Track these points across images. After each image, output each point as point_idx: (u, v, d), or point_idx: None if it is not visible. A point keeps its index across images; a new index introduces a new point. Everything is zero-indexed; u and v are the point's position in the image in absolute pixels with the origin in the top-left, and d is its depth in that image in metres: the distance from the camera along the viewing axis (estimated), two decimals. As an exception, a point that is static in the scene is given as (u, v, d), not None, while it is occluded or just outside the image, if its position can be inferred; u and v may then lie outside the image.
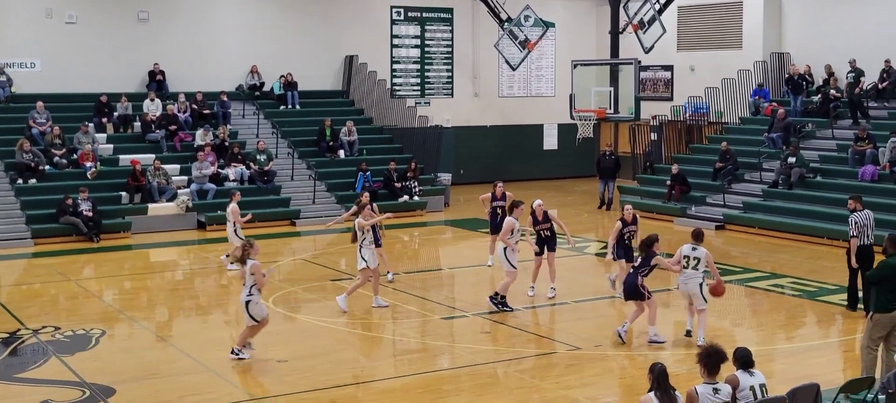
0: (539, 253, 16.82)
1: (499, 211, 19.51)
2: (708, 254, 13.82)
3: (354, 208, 18.03)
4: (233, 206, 19.72)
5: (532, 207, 16.85)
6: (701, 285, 13.76)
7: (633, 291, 13.84)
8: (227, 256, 20.04)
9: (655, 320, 13.98)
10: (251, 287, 12.96)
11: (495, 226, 19.65)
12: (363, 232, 15.78)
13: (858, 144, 24.72)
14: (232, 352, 13.16)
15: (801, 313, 16.23)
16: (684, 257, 13.84)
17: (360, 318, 15.87)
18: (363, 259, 15.70)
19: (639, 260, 13.95)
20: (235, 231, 19.51)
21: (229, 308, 17.12)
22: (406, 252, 22.68)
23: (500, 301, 15.87)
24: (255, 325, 13.16)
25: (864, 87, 26.82)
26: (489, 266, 19.64)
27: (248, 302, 12.99)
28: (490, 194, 19.70)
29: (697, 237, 14.03)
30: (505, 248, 15.68)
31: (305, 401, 11.60)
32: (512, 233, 15.66)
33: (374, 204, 17.92)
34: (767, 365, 12.36)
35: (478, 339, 14.39)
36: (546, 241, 16.90)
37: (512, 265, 15.69)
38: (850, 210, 15.82)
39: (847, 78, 27.07)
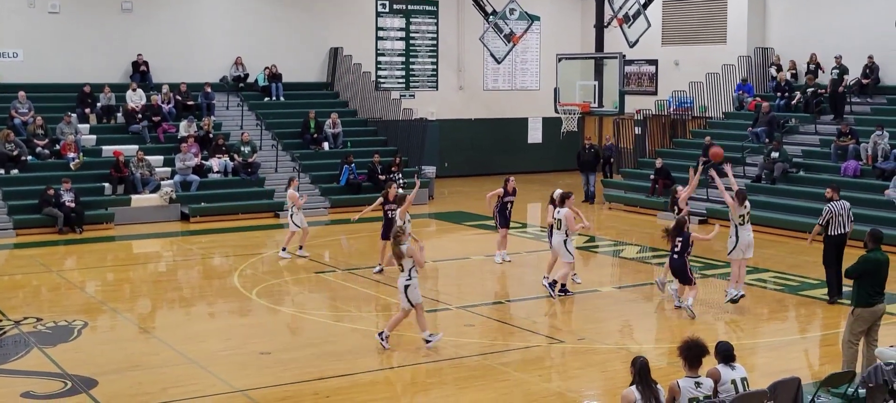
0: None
1: (509, 205, 19.44)
2: None
3: (380, 199, 18.06)
4: (291, 192, 19.87)
5: (552, 196, 17.02)
6: None
7: (682, 273, 15.05)
8: (285, 249, 19.98)
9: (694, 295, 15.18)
10: (410, 270, 12.99)
11: (504, 220, 19.55)
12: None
13: (841, 139, 24.85)
14: (379, 335, 13.31)
15: (783, 307, 16.31)
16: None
17: (343, 311, 15.87)
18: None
19: (679, 242, 14.98)
20: (292, 216, 19.73)
21: (212, 299, 17.09)
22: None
23: (561, 289, 16.31)
24: (409, 309, 13.19)
25: (848, 83, 26.95)
26: (500, 263, 19.35)
27: (406, 287, 13.03)
28: (501, 189, 19.42)
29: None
30: (565, 240, 16.10)
31: (289, 393, 11.59)
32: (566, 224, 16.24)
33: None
34: (749, 359, 12.44)
35: (461, 332, 14.40)
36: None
37: (571, 254, 16.27)
38: (827, 198, 16.17)
39: (831, 74, 27.17)
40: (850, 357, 11.38)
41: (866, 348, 11.47)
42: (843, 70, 26.94)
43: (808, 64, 28.26)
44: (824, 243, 16.15)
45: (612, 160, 31.13)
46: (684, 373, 8.66)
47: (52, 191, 22.99)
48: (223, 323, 15.41)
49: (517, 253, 19.74)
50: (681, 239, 14.98)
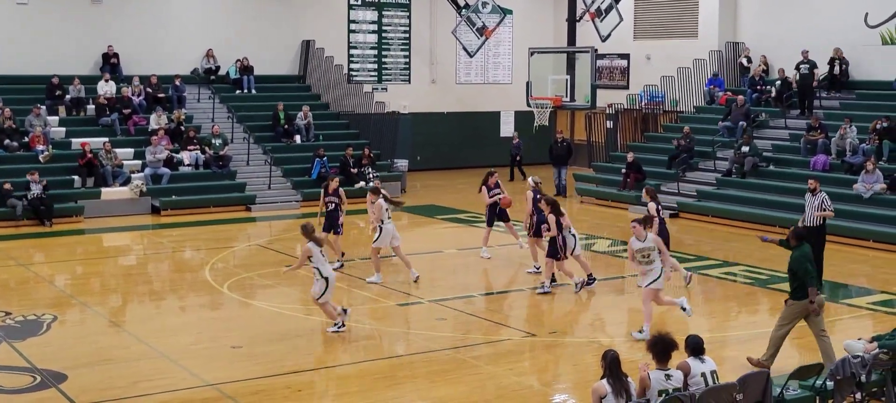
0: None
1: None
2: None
3: (322, 192, 18.13)
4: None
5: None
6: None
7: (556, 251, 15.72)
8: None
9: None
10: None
11: (494, 217, 19.42)
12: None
13: (810, 134, 25.05)
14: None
15: (753, 300, 16.43)
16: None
17: (314, 305, 15.83)
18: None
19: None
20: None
21: (184, 293, 17.01)
22: (362, 238, 22.60)
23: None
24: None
25: (819, 78, 27.16)
26: (487, 257, 19.30)
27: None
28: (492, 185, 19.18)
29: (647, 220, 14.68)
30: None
31: (261, 387, 11.57)
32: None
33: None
34: (719, 352, 12.53)
35: (433, 326, 14.42)
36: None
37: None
38: (813, 189, 16.58)
39: (799, 69, 27.31)
40: (777, 341, 11.88)
41: (819, 340, 11.77)
42: (812, 65, 27.13)
43: (802, 62, 27.98)
44: (821, 233, 16.38)
45: (519, 158, 31.14)
46: (654, 365, 8.71)
47: (8, 185, 22.63)
48: (194, 317, 15.34)
49: (489, 247, 19.76)
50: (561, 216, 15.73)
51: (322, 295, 13.51)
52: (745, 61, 29.52)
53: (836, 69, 26.98)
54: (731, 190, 24.92)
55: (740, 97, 27.62)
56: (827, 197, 16.78)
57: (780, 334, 11.94)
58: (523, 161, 31.67)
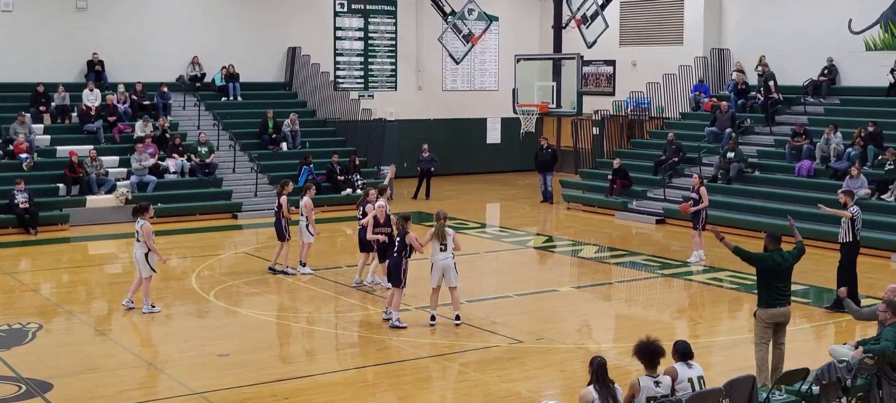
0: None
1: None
2: None
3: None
4: (306, 201, 18.09)
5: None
6: None
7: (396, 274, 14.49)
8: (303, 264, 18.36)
9: None
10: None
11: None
12: None
13: (795, 140, 25.15)
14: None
15: (739, 306, 16.47)
16: None
17: (302, 312, 15.81)
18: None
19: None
20: (307, 227, 18.02)
21: (170, 301, 16.95)
22: (348, 244, 22.59)
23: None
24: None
25: (802, 84, 27.29)
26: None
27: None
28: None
29: None
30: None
31: (247, 395, 11.54)
32: None
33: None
34: (705, 357, 12.56)
35: (420, 333, 14.41)
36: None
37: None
38: (844, 204, 15.73)
39: (760, 81, 27.36)
40: (759, 360, 11.42)
41: (773, 350, 11.53)
42: (769, 76, 27.20)
43: (760, 73, 28.08)
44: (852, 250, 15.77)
45: (433, 170, 30.10)
46: (644, 372, 8.73)
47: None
48: (181, 325, 15.28)
49: (476, 253, 19.78)
50: (400, 237, 14.55)
51: None
52: (735, 75, 29.41)
53: (822, 75, 27.15)
54: (717, 195, 24.89)
55: (723, 104, 27.69)
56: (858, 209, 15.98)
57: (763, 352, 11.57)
58: (510, 168, 31.62)
